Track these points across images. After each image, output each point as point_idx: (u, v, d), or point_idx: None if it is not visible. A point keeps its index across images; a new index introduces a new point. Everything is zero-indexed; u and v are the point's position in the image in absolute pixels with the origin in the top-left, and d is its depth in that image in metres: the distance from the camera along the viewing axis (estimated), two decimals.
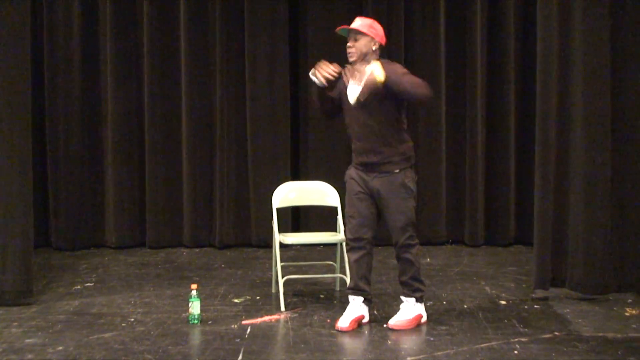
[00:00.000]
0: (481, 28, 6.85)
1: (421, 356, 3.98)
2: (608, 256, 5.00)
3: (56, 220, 6.88)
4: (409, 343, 4.19)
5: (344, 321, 4.41)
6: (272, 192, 5.23)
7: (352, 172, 4.52)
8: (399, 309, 4.52)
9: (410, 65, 6.69)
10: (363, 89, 4.19)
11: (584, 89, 4.96)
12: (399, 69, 4.35)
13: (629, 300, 4.97)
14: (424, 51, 6.95)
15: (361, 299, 4.49)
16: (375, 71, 4.15)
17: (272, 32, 6.89)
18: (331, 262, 5.44)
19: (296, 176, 6.81)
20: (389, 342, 4.22)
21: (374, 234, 4.50)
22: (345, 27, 4.38)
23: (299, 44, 7.06)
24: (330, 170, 6.80)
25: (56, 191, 6.88)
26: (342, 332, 4.36)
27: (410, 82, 4.22)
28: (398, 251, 4.46)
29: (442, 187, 6.96)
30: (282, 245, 5.10)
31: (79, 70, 6.86)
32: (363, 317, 4.50)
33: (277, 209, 5.16)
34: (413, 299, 4.48)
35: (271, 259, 5.25)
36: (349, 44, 4.35)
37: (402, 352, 4.05)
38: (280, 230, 5.18)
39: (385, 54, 4.56)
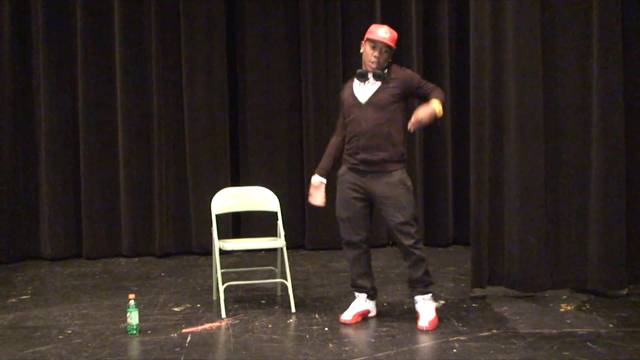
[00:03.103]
0: (417, 32, 6.94)
1: (362, 358, 4.00)
2: (543, 254, 5.11)
3: None
4: (349, 345, 4.20)
5: (348, 314, 4.61)
6: (212, 199, 5.20)
7: (346, 175, 4.56)
8: (416, 310, 4.55)
9: (348, 69, 6.76)
10: (420, 122, 4.37)
11: (516, 91, 5.07)
12: (416, 79, 4.55)
13: (564, 297, 5.09)
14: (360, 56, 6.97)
15: (364, 295, 4.66)
16: (437, 109, 4.38)
17: (209, 38, 6.85)
18: (272, 268, 5.43)
19: (236, 182, 6.79)
20: (331, 345, 4.23)
21: (369, 234, 4.63)
22: (385, 41, 4.43)
23: (236, 50, 7.04)
24: (271, 175, 6.80)
25: None
26: (346, 324, 4.55)
27: (441, 93, 4.52)
28: (406, 249, 4.46)
29: None
30: (222, 252, 5.06)
31: (11, 78, 6.70)
32: (368, 311, 4.69)
33: (217, 216, 5.12)
34: (429, 295, 4.55)
35: (212, 266, 5.21)
36: (375, 54, 4.43)
37: (344, 355, 4.06)
38: (221, 237, 5.15)
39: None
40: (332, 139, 4.73)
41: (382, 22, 6.93)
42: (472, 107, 5.18)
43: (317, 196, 4.66)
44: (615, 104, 5.02)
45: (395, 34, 4.52)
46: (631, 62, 5.11)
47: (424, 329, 4.43)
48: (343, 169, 4.60)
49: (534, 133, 5.08)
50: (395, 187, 4.45)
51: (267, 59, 7.03)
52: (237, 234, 6.84)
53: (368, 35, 4.49)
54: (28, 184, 6.83)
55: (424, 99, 4.50)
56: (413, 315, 4.70)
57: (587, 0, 5.03)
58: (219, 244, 5.01)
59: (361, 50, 4.54)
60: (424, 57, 7.00)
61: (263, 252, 6.53)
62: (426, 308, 4.52)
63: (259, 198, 5.31)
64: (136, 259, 6.79)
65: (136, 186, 6.88)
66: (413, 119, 4.37)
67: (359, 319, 4.63)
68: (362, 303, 4.67)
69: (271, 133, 7.04)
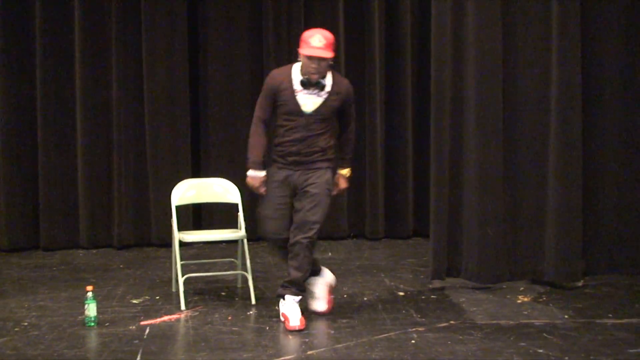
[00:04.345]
0: (379, 27, 6.96)
1: (322, 349, 4.02)
2: (501, 246, 5.18)
3: None
4: (309, 337, 4.21)
5: (296, 319, 4.36)
6: (172, 190, 5.15)
7: (277, 174, 4.49)
8: (283, 309, 4.46)
9: None
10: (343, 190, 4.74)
11: (476, 85, 5.12)
12: (350, 99, 4.55)
13: (521, 288, 5.17)
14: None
15: (300, 297, 4.49)
16: (342, 184, 4.67)
17: (170, 28, 6.78)
18: (233, 260, 5.41)
19: (197, 174, 6.74)
20: (290, 337, 4.24)
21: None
22: (319, 55, 4.30)
23: (198, 41, 6.98)
24: (231, 167, 6.75)
25: None
26: (298, 330, 4.32)
27: (353, 142, 4.70)
28: (299, 244, 4.37)
29: None
30: (182, 244, 5.04)
31: None
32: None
33: (177, 207, 5.09)
34: (300, 297, 4.46)
35: (172, 258, 5.18)
36: (313, 66, 4.33)
37: (303, 346, 4.07)
38: (181, 229, 5.12)
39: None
40: (258, 128, 4.50)
41: (345, 19, 6.98)
42: (433, 101, 5.21)
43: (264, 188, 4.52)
44: (573, 100, 5.10)
45: (330, 38, 4.37)
46: (590, 59, 5.20)
47: (296, 328, 4.30)
48: (273, 169, 4.50)
49: (493, 128, 5.13)
50: (322, 184, 4.43)
51: (229, 50, 6.99)
52: (197, 226, 6.80)
53: (302, 48, 4.35)
54: None
55: (340, 122, 4.59)
56: (373, 307, 4.73)
57: None
58: (178, 236, 4.98)
59: (299, 59, 4.40)
60: (385, 53, 7.02)
61: (223, 244, 6.50)
62: (292, 310, 4.40)
63: (219, 190, 5.29)
64: (94, 251, 6.71)
65: (95, 177, 6.79)
66: (335, 192, 4.60)
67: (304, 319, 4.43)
68: (295, 305, 4.44)
69: (232, 124, 7.00)
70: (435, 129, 5.20)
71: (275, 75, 4.50)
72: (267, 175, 4.52)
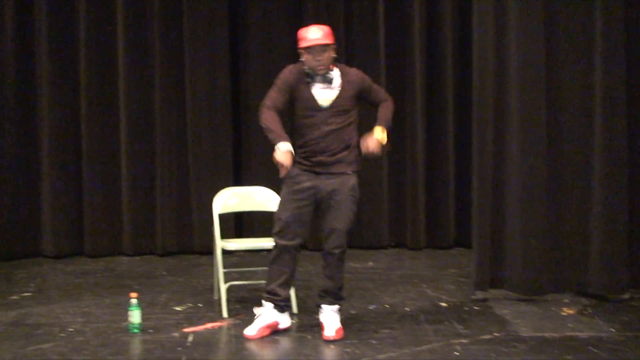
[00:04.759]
0: (420, 33, 6.93)
1: (364, 359, 4.00)
2: (545, 257, 5.10)
3: None
4: (351, 347, 4.20)
5: (252, 329, 4.36)
6: (214, 198, 5.19)
7: (300, 177, 4.38)
8: (321, 318, 4.42)
9: None
10: (372, 154, 4.36)
11: (519, 94, 5.07)
12: (367, 82, 4.45)
13: (566, 300, 5.09)
14: (364, 56, 6.98)
15: (271, 305, 4.42)
16: (381, 138, 4.36)
17: (212, 35, 6.84)
18: None
19: (238, 182, 6.78)
20: (332, 346, 4.23)
21: (304, 241, 4.51)
22: (319, 43, 4.27)
23: (239, 48, 7.03)
24: (272, 175, 6.76)
25: None
26: (249, 339, 4.31)
27: (390, 111, 4.51)
28: (331, 255, 4.36)
29: (384, 192, 7.01)
30: (224, 252, 5.06)
31: (13, 74, 6.68)
32: (277, 323, 4.44)
33: (219, 215, 5.12)
34: (337, 306, 4.43)
35: (214, 265, 5.21)
36: (318, 58, 4.28)
37: (345, 357, 4.06)
38: (223, 237, 5.15)
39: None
40: (270, 113, 4.35)
41: (385, 24, 6.97)
42: (475, 108, 5.17)
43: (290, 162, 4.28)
44: (618, 106, 5.02)
45: (327, 29, 4.36)
46: (634, 65, 5.11)
47: (330, 338, 4.27)
48: (295, 170, 4.36)
49: (537, 135, 5.07)
50: (347, 192, 4.34)
51: (269, 58, 7.02)
52: (239, 234, 6.84)
53: (301, 43, 4.33)
54: (30, 182, 6.82)
55: (373, 105, 4.50)
56: (415, 317, 4.70)
57: (591, 2, 5.03)
58: (220, 244, 5.01)
59: (301, 59, 4.35)
60: (426, 58, 6.99)
61: (265, 252, 6.49)
62: (333, 317, 4.39)
63: (261, 198, 5.31)
64: (138, 258, 6.78)
65: (138, 184, 6.88)
66: (364, 151, 4.36)
67: (267, 332, 4.37)
68: (270, 314, 4.41)
69: None
70: (478, 138, 5.16)
71: (291, 69, 4.42)
72: (289, 176, 4.36)
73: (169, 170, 6.89)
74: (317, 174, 4.37)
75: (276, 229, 4.43)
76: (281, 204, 4.46)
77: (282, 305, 4.45)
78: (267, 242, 5.22)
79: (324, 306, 4.43)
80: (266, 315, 4.42)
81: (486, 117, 5.14)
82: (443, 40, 7.00)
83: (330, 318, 4.39)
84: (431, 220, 7.07)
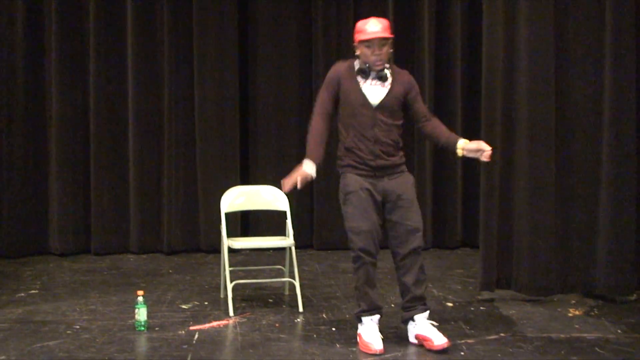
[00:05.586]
0: (429, 35, 6.93)
1: (370, 358, 4.00)
2: (552, 258, 5.09)
3: None
4: (357, 346, 4.19)
5: (379, 343, 4.10)
6: (221, 197, 5.20)
7: (360, 182, 4.12)
8: (421, 334, 4.13)
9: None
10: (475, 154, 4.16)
11: (528, 94, 5.06)
12: (414, 90, 4.25)
13: (573, 301, 5.08)
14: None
15: (379, 315, 4.21)
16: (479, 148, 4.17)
17: (221, 34, 6.86)
18: (280, 267, 5.43)
19: (245, 181, 6.79)
20: (338, 345, 4.23)
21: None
22: (379, 36, 4.06)
23: (248, 47, 7.04)
24: (280, 174, 6.73)
25: None
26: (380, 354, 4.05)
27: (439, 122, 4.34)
28: (415, 255, 4.11)
29: None
30: (231, 250, 5.07)
31: (23, 73, 6.72)
32: None
33: (226, 214, 5.12)
34: (428, 312, 4.18)
35: (220, 264, 5.22)
36: (376, 52, 4.08)
37: (351, 356, 4.05)
38: (229, 235, 5.15)
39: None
40: (318, 123, 4.18)
41: (394, 24, 6.92)
42: (483, 110, 5.17)
43: (296, 184, 4.10)
44: (627, 108, 5.01)
45: (386, 22, 4.17)
46: None
47: (445, 345, 4.02)
48: (351, 177, 4.13)
49: (545, 137, 5.06)
50: (410, 188, 4.19)
51: (278, 56, 7.03)
52: (245, 233, 6.85)
53: (359, 36, 4.11)
54: (38, 179, 6.84)
55: (413, 115, 4.27)
56: None
57: (601, 4, 5.01)
58: (227, 242, 5.01)
59: (357, 53, 4.15)
60: (435, 59, 6.99)
61: (271, 251, 6.53)
62: (430, 326, 4.13)
63: (268, 197, 5.31)
64: (144, 256, 6.80)
65: (146, 183, 6.89)
66: (486, 160, 4.17)
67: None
68: (374, 327, 4.15)
69: (281, 131, 7.05)
70: (486, 139, 5.11)
71: (338, 66, 4.24)
72: (344, 185, 4.15)
73: (176, 168, 6.90)
74: (377, 177, 4.14)
75: (354, 242, 4.09)
76: (349, 213, 4.11)
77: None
78: (274, 242, 5.25)
79: (417, 317, 4.15)
80: (373, 327, 4.15)
81: (494, 118, 5.13)
82: (452, 42, 7.00)
83: (429, 330, 4.11)
84: (438, 221, 7.06)
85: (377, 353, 4.03)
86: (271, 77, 7.04)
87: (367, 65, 4.13)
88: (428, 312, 4.20)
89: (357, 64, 4.19)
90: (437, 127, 4.28)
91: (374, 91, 4.15)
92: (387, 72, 4.17)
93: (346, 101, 4.17)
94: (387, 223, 4.18)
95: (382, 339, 4.12)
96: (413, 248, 4.12)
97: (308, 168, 4.14)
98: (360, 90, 4.15)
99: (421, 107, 4.31)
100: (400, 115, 4.23)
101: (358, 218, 4.09)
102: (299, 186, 4.13)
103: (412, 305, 4.17)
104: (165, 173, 6.88)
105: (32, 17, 6.75)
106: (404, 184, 4.19)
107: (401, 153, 4.24)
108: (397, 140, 4.20)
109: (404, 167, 4.25)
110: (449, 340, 4.09)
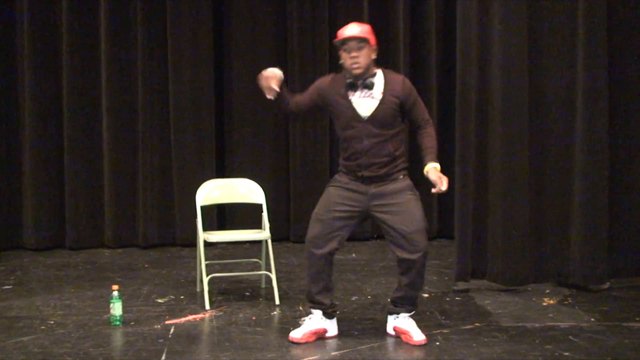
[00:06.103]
0: (404, 29, 6.95)
1: (346, 350, 4.02)
2: (526, 248, 5.14)
3: None
4: (333, 338, 4.20)
5: (298, 332, 4.16)
6: (197, 190, 5.18)
7: (345, 180, 4.12)
8: (400, 327, 4.17)
9: (334, 64, 6.75)
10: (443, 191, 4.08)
11: (502, 87, 5.09)
12: (412, 97, 4.12)
13: (547, 291, 5.13)
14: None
15: (320, 312, 4.19)
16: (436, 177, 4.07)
17: (196, 27, 6.83)
18: (257, 260, 5.42)
19: (221, 174, 6.77)
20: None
21: (340, 247, 4.16)
22: (351, 35, 3.99)
23: (223, 41, 7.01)
24: (256, 167, 6.78)
25: None
26: (294, 343, 4.11)
27: (435, 140, 4.19)
28: (409, 263, 4.04)
29: None
30: (207, 244, 5.05)
31: None
32: (325, 330, 4.20)
33: (202, 207, 5.10)
34: (413, 312, 4.21)
35: (196, 257, 5.20)
36: (353, 54, 3.98)
37: (327, 347, 4.07)
38: (205, 229, 5.14)
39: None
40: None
41: (369, 20, 6.96)
42: (458, 103, 5.19)
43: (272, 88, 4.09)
44: (599, 102, 5.06)
45: (366, 26, 4.09)
46: (616, 62, 5.15)
47: (423, 342, 4.07)
48: (341, 176, 4.15)
49: (519, 129, 5.10)
50: (402, 192, 4.10)
51: (253, 51, 7.01)
52: (221, 226, 6.83)
53: (336, 40, 4.07)
54: (11, 173, 6.78)
55: (411, 123, 4.19)
56: None
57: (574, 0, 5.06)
58: (203, 236, 5.00)
59: (340, 61, 4.09)
60: (410, 53, 7.01)
61: (247, 244, 6.53)
62: (411, 322, 4.18)
63: (244, 190, 5.30)
64: (120, 250, 6.76)
65: (120, 177, 6.85)
66: (437, 192, 4.09)
67: (312, 338, 4.14)
68: (317, 321, 4.19)
69: (257, 125, 7.03)
70: (461, 131, 5.18)
71: (328, 77, 4.21)
72: (332, 179, 4.20)
73: (151, 162, 6.86)
74: (366, 184, 4.09)
75: (309, 230, 4.13)
76: (321, 203, 4.14)
77: (331, 312, 4.20)
78: (250, 235, 5.25)
79: (401, 315, 4.18)
80: (315, 320, 4.19)
81: (469, 112, 5.16)
82: (427, 37, 7.04)
83: (409, 324, 4.16)
84: None
85: (289, 340, 4.13)
86: (246, 72, 6.98)
87: (347, 70, 4.05)
88: (414, 312, 4.21)
89: (347, 76, 4.12)
90: (422, 139, 4.17)
91: (364, 103, 4.06)
92: (373, 79, 4.07)
93: (337, 115, 4.13)
94: (382, 227, 4.14)
95: (358, 333, 4.16)
96: (411, 255, 4.04)
97: (270, 69, 4.13)
98: (349, 103, 4.07)
99: (417, 114, 4.17)
100: (395, 124, 4.10)
101: (322, 207, 4.12)
102: (276, 88, 4.10)
103: (401, 302, 4.18)
104: (140, 167, 6.84)
105: (3, 13, 6.67)
106: (396, 189, 4.10)
107: (399, 161, 4.13)
108: (390, 152, 4.08)
109: (398, 175, 4.13)
110: (427, 338, 4.10)
